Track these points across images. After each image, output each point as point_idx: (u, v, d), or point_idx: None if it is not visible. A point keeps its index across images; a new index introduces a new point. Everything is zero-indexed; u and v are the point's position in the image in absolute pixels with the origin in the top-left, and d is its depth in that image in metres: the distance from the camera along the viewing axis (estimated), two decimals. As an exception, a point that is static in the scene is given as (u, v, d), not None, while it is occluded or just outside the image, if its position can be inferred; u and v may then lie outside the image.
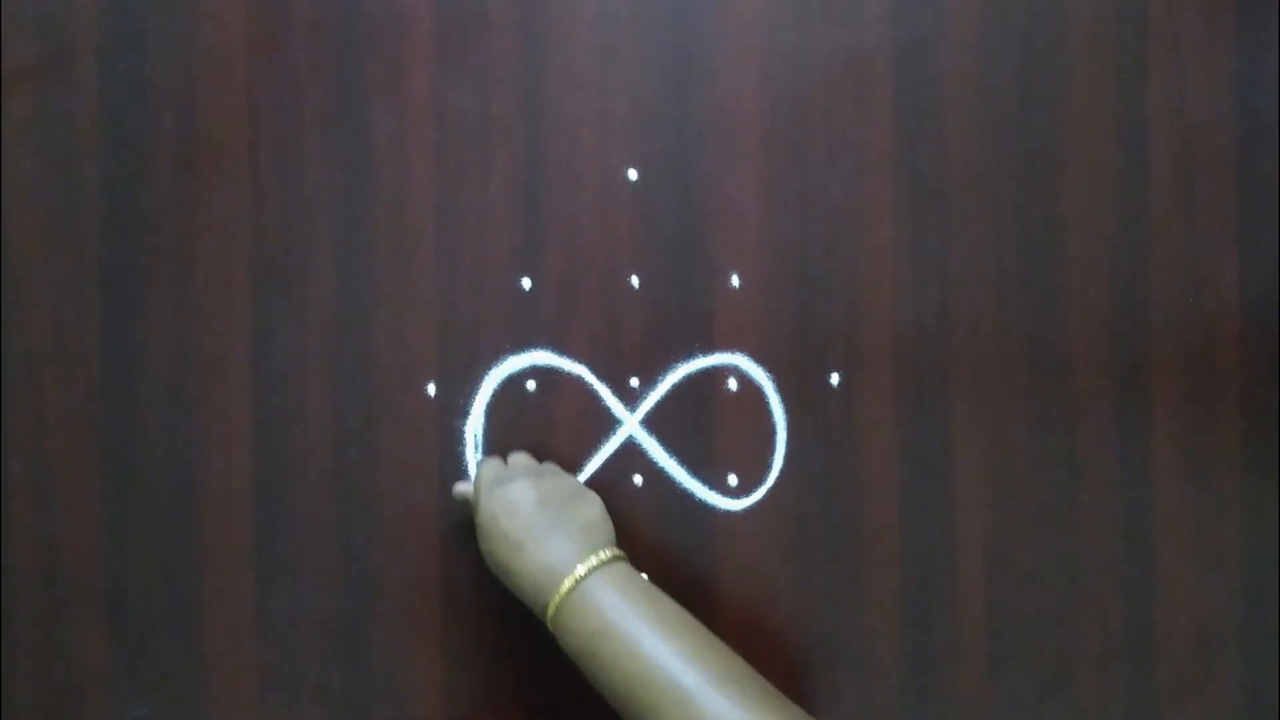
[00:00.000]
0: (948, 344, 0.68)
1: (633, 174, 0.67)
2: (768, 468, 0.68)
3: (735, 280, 0.68)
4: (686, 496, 0.68)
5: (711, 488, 0.68)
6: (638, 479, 0.67)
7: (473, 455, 0.67)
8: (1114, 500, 0.68)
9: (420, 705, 0.67)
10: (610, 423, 0.67)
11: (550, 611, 0.54)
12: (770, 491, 0.68)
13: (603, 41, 0.67)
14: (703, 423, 0.67)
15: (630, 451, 0.67)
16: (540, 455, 0.67)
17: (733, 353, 0.68)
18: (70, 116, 0.67)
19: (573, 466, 0.67)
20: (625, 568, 0.55)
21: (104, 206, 0.67)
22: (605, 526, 0.58)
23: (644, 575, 0.57)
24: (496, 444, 0.67)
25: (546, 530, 0.56)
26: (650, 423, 0.67)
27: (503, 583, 0.58)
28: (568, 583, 0.54)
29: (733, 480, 0.68)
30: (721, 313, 0.68)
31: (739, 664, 0.52)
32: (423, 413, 0.67)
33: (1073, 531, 0.68)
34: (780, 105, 0.68)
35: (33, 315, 0.67)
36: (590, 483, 0.67)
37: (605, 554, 0.55)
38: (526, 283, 0.67)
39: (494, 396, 0.67)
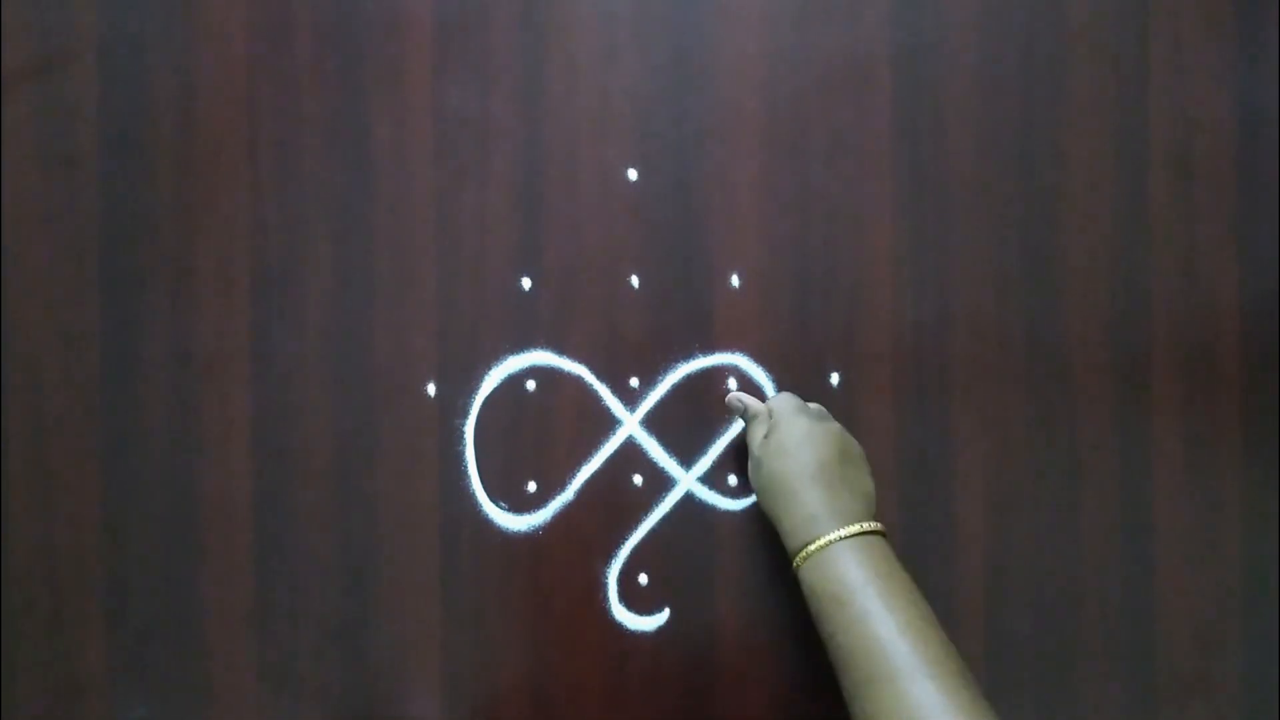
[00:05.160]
0: (948, 344, 0.68)
1: (633, 174, 0.67)
2: (768, 468, 0.68)
3: (735, 280, 0.68)
4: (686, 496, 0.68)
5: (711, 488, 0.68)
6: (638, 479, 0.67)
7: (472, 454, 0.67)
8: (1114, 500, 0.68)
9: (420, 705, 0.67)
10: (610, 423, 0.67)
11: (819, 544, 0.55)
12: (770, 491, 0.67)
13: (603, 42, 0.67)
14: (703, 423, 0.67)
15: (630, 451, 0.67)
16: (540, 455, 0.67)
17: (733, 353, 0.68)
18: (70, 116, 0.67)
19: (573, 466, 0.67)
20: (887, 547, 0.56)
21: (104, 206, 0.67)
22: (873, 503, 0.60)
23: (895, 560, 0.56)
24: (496, 444, 0.67)
25: (840, 478, 0.58)
26: (650, 423, 0.67)
27: (762, 496, 0.60)
28: (853, 528, 0.55)
29: (733, 480, 0.68)
30: (721, 313, 0.68)
31: (954, 659, 0.52)
32: (423, 413, 0.67)
33: (1073, 531, 0.68)
34: (780, 105, 0.68)
35: (33, 315, 0.67)
36: (590, 483, 0.67)
37: (878, 525, 0.56)
38: (526, 283, 0.67)
39: (494, 396, 0.67)
